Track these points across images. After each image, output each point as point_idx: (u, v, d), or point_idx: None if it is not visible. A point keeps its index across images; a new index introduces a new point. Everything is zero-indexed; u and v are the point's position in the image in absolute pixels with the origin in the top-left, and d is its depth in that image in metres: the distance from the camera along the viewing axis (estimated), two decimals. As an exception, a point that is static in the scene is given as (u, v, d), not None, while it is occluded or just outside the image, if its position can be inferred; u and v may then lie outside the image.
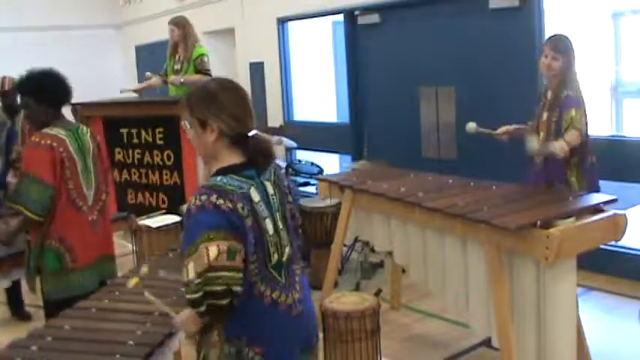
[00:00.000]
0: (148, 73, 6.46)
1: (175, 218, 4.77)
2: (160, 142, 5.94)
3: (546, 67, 3.73)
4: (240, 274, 1.89)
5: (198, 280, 1.85)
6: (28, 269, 3.32)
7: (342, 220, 4.23)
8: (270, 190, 2.06)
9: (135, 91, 6.54)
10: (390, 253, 4.12)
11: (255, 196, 1.98)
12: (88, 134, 3.35)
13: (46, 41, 10.46)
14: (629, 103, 6.70)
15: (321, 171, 5.98)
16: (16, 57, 9.61)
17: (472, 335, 3.86)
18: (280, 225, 2.06)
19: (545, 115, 3.75)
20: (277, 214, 2.05)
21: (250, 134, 2.01)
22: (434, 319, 4.48)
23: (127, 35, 11.65)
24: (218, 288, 1.86)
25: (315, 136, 7.10)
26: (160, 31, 9.74)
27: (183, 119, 2.07)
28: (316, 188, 5.03)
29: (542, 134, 3.75)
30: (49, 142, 3.13)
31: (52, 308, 3.10)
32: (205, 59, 6.03)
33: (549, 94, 3.78)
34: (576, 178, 3.70)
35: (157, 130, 5.94)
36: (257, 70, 8.09)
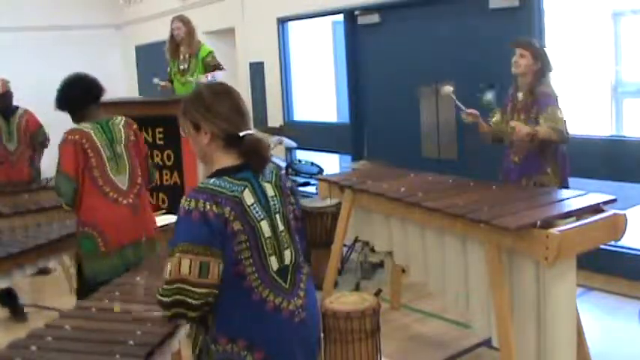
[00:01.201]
0: (156, 80, 6.45)
1: (175, 218, 4.77)
2: (159, 142, 5.93)
3: (515, 64, 3.93)
4: (211, 290, 1.92)
5: (170, 287, 1.91)
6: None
7: (342, 220, 4.23)
8: (270, 191, 2.06)
9: (162, 86, 6.50)
10: (390, 253, 4.12)
11: (249, 199, 1.99)
12: (122, 124, 3.60)
13: (46, 41, 10.46)
14: (629, 103, 6.70)
15: (321, 171, 5.98)
16: (16, 57, 9.66)
17: (472, 335, 3.86)
18: (281, 227, 2.06)
19: (522, 116, 3.90)
20: (277, 215, 2.05)
21: (242, 134, 2.03)
22: (434, 319, 4.48)
23: (127, 35, 11.65)
24: (191, 301, 1.91)
25: (315, 136, 7.10)
26: (160, 31, 9.74)
27: (181, 124, 2.13)
28: (316, 188, 5.03)
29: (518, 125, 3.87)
30: (73, 137, 3.42)
31: (90, 289, 3.24)
32: (215, 56, 6.14)
33: (520, 96, 3.95)
34: (552, 169, 3.88)
35: (157, 130, 5.93)
36: (257, 70, 8.09)
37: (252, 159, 2.04)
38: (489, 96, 4.15)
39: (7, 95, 5.52)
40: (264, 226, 2.01)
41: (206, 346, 2.04)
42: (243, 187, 1.99)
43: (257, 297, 1.98)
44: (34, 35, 10.33)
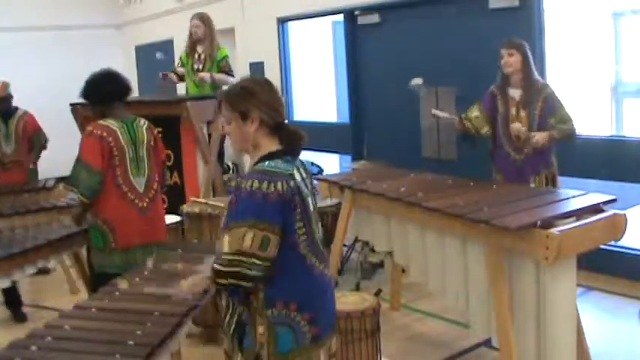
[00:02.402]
0: (159, 54, 6.38)
1: (176, 218, 4.77)
2: (159, 142, 5.93)
3: (506, 64, 4.11)
4: (268, 264, 2.11)
5: (232, 257, 2.09)
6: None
7: (342, 220, 4.23)
8: (304, 174, 2.30)
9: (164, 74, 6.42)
10: (390, 253, 4.12)
11: (298, 177, 2.22)
12: (145, 126, 3.66)
13: (46, 41, 10.46)
14: (629, 103, 6.70)
15: (321, 171, 5.99)
16: (16, 57, 9.67)
17: (472, 335, 3.86)
18: (312, 205, 2.30)
19: (523, 113, 4.07)
20: (310, 195, 2.30)
21: (285, 122, 2.27)
22: (434, 319, 4.48)
23: (127, 35, 11.64)
24: (249, 272, 2.09)
25: (315, 136, 7.06)
26: (160, 31, 9.78)
27: (222, 117, 2.30)
28: (316, 188, 5.03)
29: (522, 127, 4.05)
30: (99, 132, 3.47)
31: (98, 281, 3.37)
32: (229, 60, 6.13)
33: (515, 92, 4.11)
34: (556, 159, 4.16)
35: (157, 130, 5.92)
36: (257, 70, 8.08)
37: (292, 145, 2.27)
38: (418, 81, 4.29)
39: (7, 98, 5.51)
40: (310, 201, 2.26)
41: (246, 319, 2.21)
42: (292, 167, 2.22)
43: (309, 263, 2.22)
44: (34, 35, 10.33)
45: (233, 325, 2.25)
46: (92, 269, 3.70)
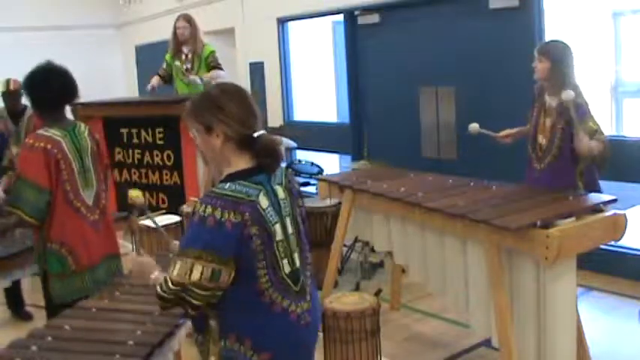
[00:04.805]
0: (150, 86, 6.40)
1: (175, 218, 4.77)
2: (160, 142, 5.94)
3: (535, 69, 3.71)
4: (219, 292, 1.93)
5: (176, 288, 1.92)
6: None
7: (342, 220, 4.23)
8: (281, 194, 2.05)
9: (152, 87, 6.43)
10: (390, 253, 4.12)
11: (264, 203, 1.97)
12: (86, 132, 3.27)
13: (47, 41, 10.44)
14: (629, 103, 6.70)
15: (321, 171, 5.98)
16: (16, 57, 9.60)
17: (472, 335, 3.86)
18: (290, 230, 2.05)
19: (548, 121, 3.67)
20: (287, 218, 2.05)
21: (256, 135, 1.99)
22: (434, 319, 4.48)
23: (127, 35, 11.65)
24: (194, 302, 1.93)
25: (315, 136, 7.10)
26: (160, 31, 9.75)
27: (190, 127, 2.08)
28: (316, 188, 5.03)
29: (543, 139, 3.68)
30: (42, 144, 3.03)
31: (57, 312, 2.99)
32: (216, 56, 6.15)
33: (547, 99, 3.69)
34: (581, 182, 3.63)
35: (157, 130, 5.94)
36: (257, 70, 8.08)
37: (266, 161, 2.01)
38: (475, 125, 4.01)
39: (17, 95, 5.42)
40: (277, 229, 1.99)
41: (201, 343, 2.06)
42: (258, 191, 1.97)
43: (266, 299, 1.98)
44: (34, 35, 10.33)
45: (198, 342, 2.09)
46: (49, 300, 3.22)
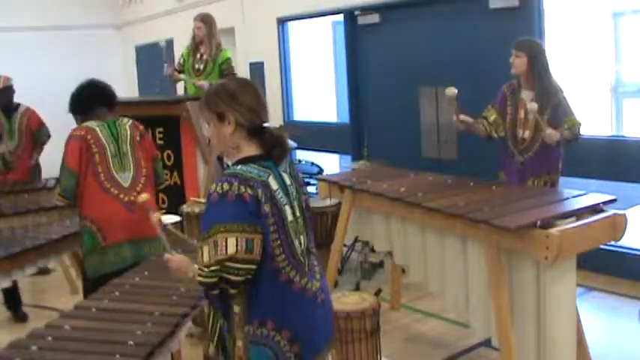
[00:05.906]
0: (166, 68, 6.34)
1: (175, 218, 4.77)
2: (160, 142, 5.93)
3: (512, 64, 3.97)
4: (254, 267, 2.01)
5: (215, 267, 1.99)
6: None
7: (342, 220, 4.23)
8: (288, 180, 2.17)
9: (171, 74, 6.39)
10: (390, 253, 4.11)
11: (274, 184, 2.09)
12: (128, 124, 3.67)
13: (46, 41, 10.46)
14: (629, 103, 6.71)
15: (321, 171, 5.98)
16: (16, 57, 9.66)
17: (472, 335, 3.85)
18: (297, 213, 2.17)
19: (530, 115, 3.87)
20: (295, 202, 2.16)
21: (265, 125, 2.14)
22: (434, 319, 4.48)
23: (127, 35, 11.65)
24: (235, 278, 2.00)
25: (315, 136, 7.10)
26: (160, 31, 9.77)
27: (202, 119, 2.19)
28: (316, 188, 5.03)
29: (526, 132, 3.95)
30: (76, 132, 3.53)
31: (92, 285, 3.34)
32: (232, 63, 6.09)
33: (526, 94, 3.93)
34: (561, 165, 4.01)
35: (157, 130, 5.93)
36: (257, 70, 8.09)
37: (274, 150, 2.14)
38: (453, 90, 4.08)
39: (8, 91, 5.48)
40: (287, 210, 2.11)
41: (225, 331, 2.15)
42: (268, 174, 2.09)
43: (285, 277, 2.08)
44: (34, 35, 10.34)
45: (216, 335, 2.21)
46: (85, 277, 3.62)
